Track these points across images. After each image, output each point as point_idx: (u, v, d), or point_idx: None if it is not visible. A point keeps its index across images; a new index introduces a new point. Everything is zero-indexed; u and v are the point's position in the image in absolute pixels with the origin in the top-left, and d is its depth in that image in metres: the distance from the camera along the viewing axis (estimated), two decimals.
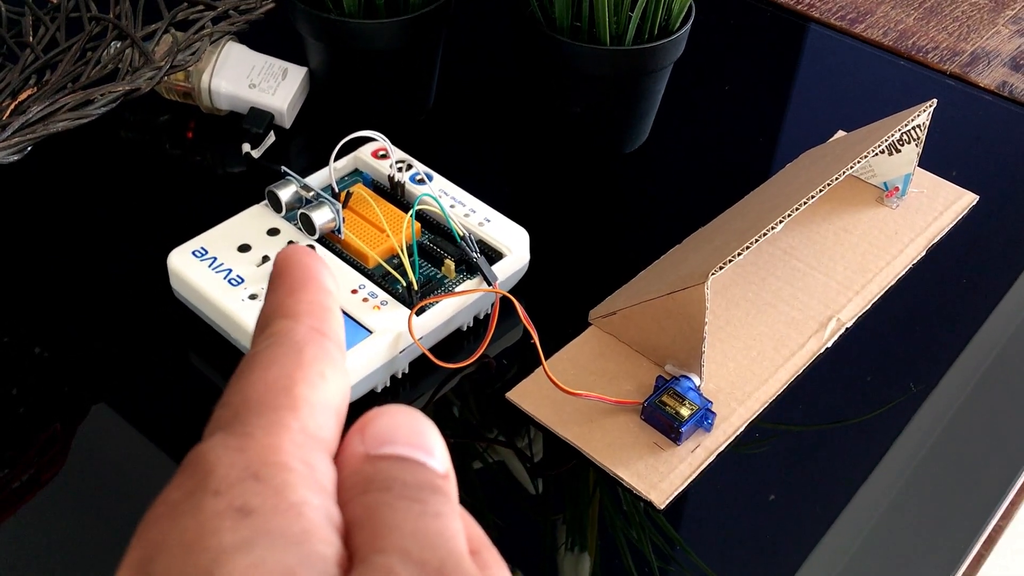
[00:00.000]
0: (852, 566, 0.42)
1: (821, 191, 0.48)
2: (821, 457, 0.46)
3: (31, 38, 0.56)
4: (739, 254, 0.44)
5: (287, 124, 0.61)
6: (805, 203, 0.47)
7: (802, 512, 0.44)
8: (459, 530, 0.17)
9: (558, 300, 0.52)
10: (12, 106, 0.47)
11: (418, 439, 0.18)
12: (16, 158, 0.44)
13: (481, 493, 0.44)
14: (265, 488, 0.16)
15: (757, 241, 0.45)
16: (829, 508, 0.44)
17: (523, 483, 0.44)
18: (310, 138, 0.62)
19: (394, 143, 0.53)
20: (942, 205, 0.58)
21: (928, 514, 0.44)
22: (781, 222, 0.46)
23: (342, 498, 0.17)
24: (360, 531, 0.17)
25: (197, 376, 0.48)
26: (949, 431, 0.48)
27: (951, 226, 0.57)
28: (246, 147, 0.59)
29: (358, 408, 0.46)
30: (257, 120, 0.59)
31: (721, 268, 0.44)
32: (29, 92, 0.48)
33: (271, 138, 0.59)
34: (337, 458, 0.18)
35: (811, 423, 0.47)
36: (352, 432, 0.19)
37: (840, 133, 0.63)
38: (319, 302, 0.20)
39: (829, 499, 0.44)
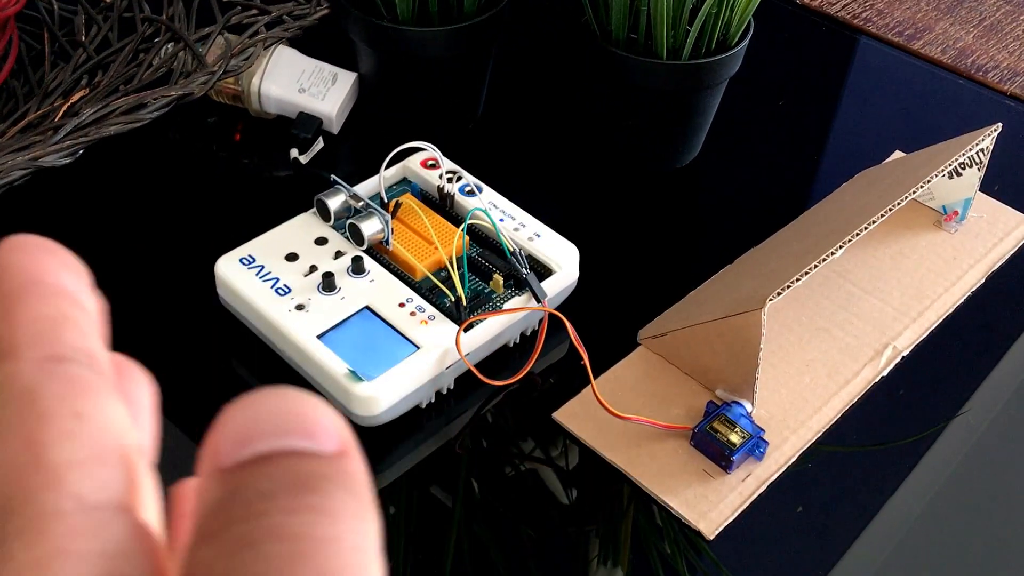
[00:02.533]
0: None
1: (883, 216, 0.47)
2: (875, 490, 0.44)
3: (83, 37, 0.56)
4: (798, 280, 0.43)
5: (335, 130, 0.60)
6: (866, 228, 0.46)
7: (850, 542, 0.42)
8: (364, 546, 0.12)
9: (606, 319, 0.52)
10: (64, 107, 0.47)
11: (290, 421, 0.13)
12: (68, 161, 0.44)
13: (520, 506, 0.43)
14: None
15: (816, 267, 0.44)
16: (881, 541, 0.42)
17: (566, 504, 0.44)
18: (358, 145, 0.61)
19: (442, 152, 0.52)
20: (1002, 231, 0.57)
21: (987, 547, 0.43)
22: (841, 247, 0.45)
23: (191, 552, 0.12)
24: None
25: (241, 385, 0.48)
26: (1007, 465, 0.46)
27: (1011, 253, 0.56)
28: (294, 152, 0.58)
29: (406, 423, 0.46)
30: (306, 125, 0.59)
31: (779, 294, 0.43)
32: (81, 93, 0.48)
33: (319, 144, 0.59)
34: (187, 490, 0.14)
35: (865, 454, 0.46)
36: (206, 449, 0.13)
37: (898, 153, 0.62)
38: (43, 316, 0.14)
39: (882, 532, 0.43)
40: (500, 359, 0.49)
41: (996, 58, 0.71)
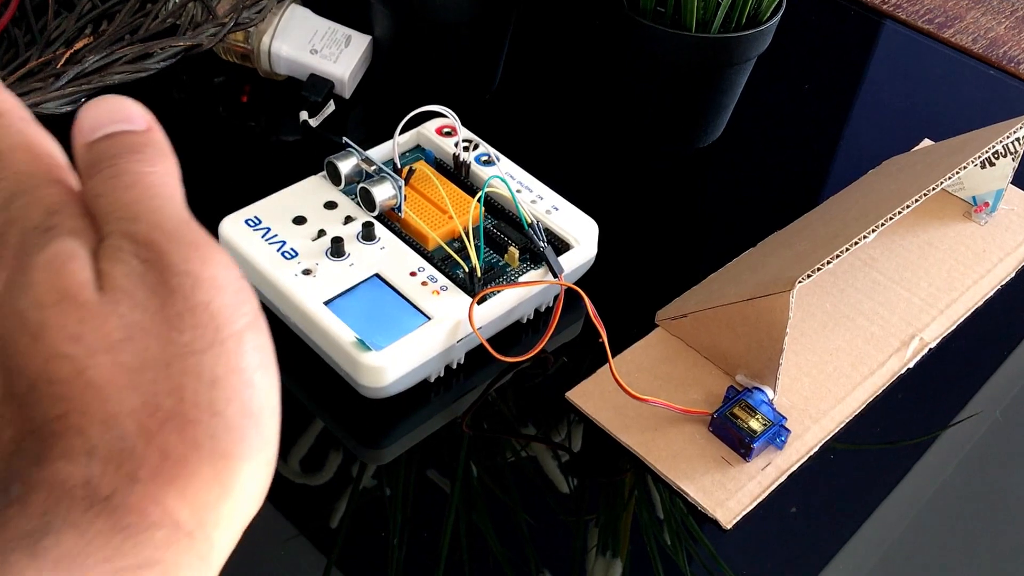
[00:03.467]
0: None
1: (918, 201, 0.45)
2: (895, 482, 0.43)
3: None
4: (828, 262, 0.41)
5: (347, 94, 0.58)
6: (899, 213, 0.44)
7: (848, 538, 0.41)
8: (168, 175, 0.22)
9: (623, 298, 0.50)
10: (67, 55, 0.45)
11: (117, 115, 0.22)
12: (68, 109, 0.42)
13: (524, 490, 0.41)
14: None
15: (848, 250, 0.42)
16: (896, 534, 0.41)
17: (572, 485, 0.42)
18: (370, 110, 0.59)
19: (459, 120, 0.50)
20: None
21: (1012, 539, 0.41)
22: (874, 231, 0.43)
23: (83, 188, 0.21)
24: (96, 216, 0.20)
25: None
26: None
27: None
28: (303, 115, 0.56)
29: (413, 397, 0.44)
30: (316, 88, 0.57)
31: (809, 276, 0.41)
32: (85, 41, 0.46)
33: (330, 107, 0.57)
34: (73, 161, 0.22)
35: (889, 446, 0.44)
36: (73, 133, 0.22)
37: (926, 142, 0.60)
38: None
39: (895, 525, 0.41)
40: (513, 335, 0.47)
41: None
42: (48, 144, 0.21)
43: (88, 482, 0.18)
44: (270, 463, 0.20)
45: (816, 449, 0.43)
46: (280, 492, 0.40)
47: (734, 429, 0.42)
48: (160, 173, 0.21)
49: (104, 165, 0.21)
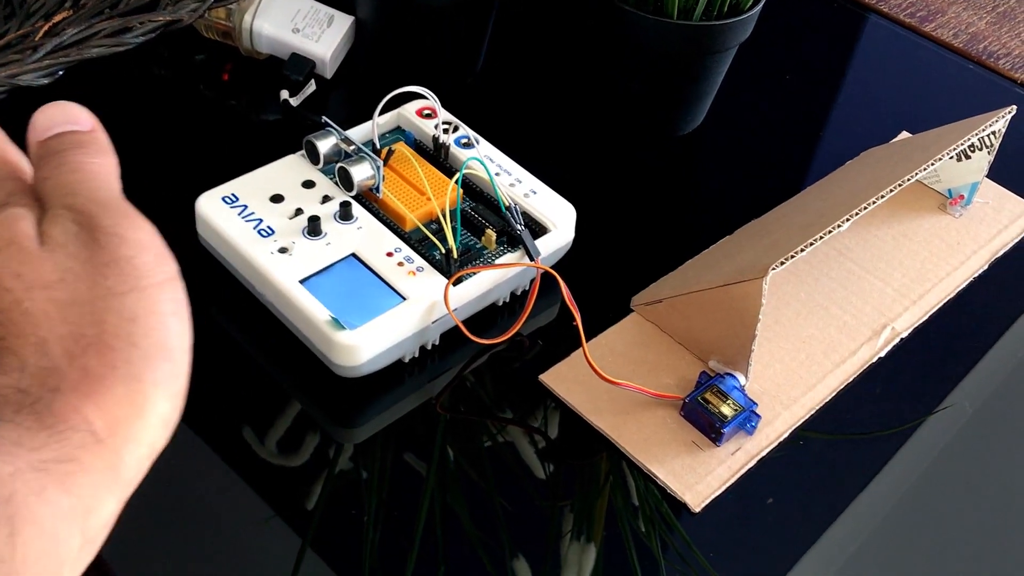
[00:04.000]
0: None
1: (892, 191, 0.45)
2: (866, 470, 0.43)
3: None
4: (802, 250, 0.42)
5: (328, 74, 0.58)
6: (874, 203, 0.45)
7: (827, 526, 0.41)
8: (108, 167, 0.26)
9: (599, 283, 0.50)
10: (46, 28, 0.44)
11: (66, 117, 0.26)
12: (46, 81, 0.42)
13: (499, 473, 0.41)
14: None
15: (821, 239, 0.43)
16: (860, 524, 0.41)
17: (546, 469, 0.42)
18: (351, 91, 0.59)
19: (439, 103, 0.50)
20: (1007, 218, 0.55)
21: (976, 526, 0.42)
22: (848, 220, 0.43)
23: (34, 176, 0.25)
24: (43, 197, 0.24)
25: (215, 328, 0.46)
26: (998, 448, 0.45)
27: (1016, 241, 0.54)
28: (284, 94, 0.56)
29: (387, 377, 0.44)
30: (298, 67, 0.56)
31: (782, 263, 0.41)
32: (64, 15, 0.46)
33: (311, 87, 0.57)
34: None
35: (858, 434, 0.44)
36: (28, 132, 0.26)
37: (904, 134, 0.60)
38: None
39: (865, 514, 0.42)
40: (488, 318, 0.47)
41: (1008, 45, 0.70)
42: (10, 151, 0.26)
43: (20, 390, 0.22)
44: (178, 396, 0.24)
45: (786, 435, 0.43)
46: (254, 470, 0.41)
47: (705, 414, 0.42)
48: (100, 164, 0.25)
49: (52, 156, 0.25)
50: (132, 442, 0.23)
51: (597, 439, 0.43)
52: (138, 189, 0.52)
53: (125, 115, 0.56)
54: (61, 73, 0.42)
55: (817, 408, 0.45)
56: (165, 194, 0.51)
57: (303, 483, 0.40)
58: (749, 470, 0.42)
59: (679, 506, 0.41)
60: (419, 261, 0.44)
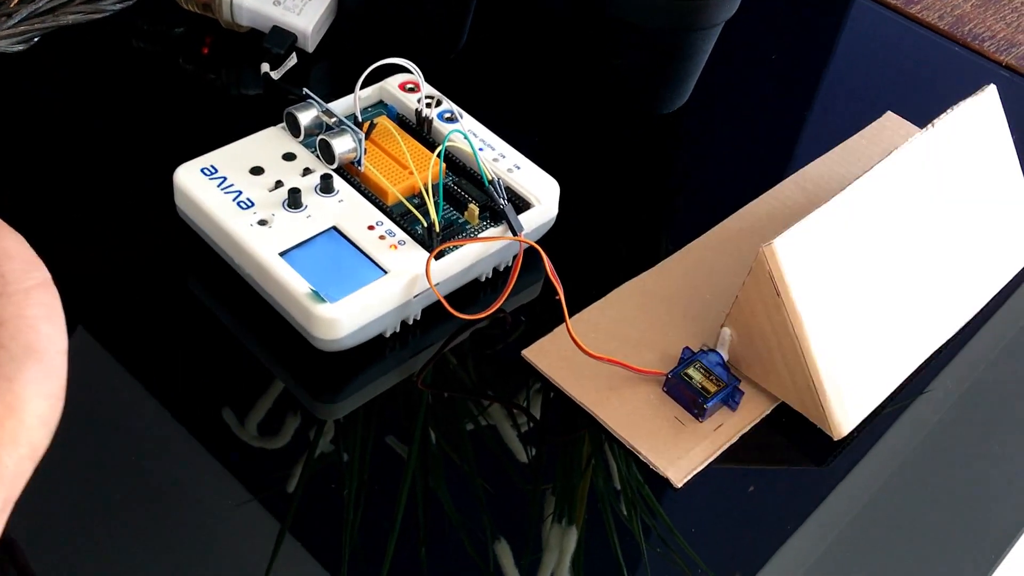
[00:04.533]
0: (850, 569, 0.39)
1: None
2: (853, 448, 0.43)
3: None
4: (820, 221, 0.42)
5: (310, 48, 0.57)
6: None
7: (814, 508, 0.41)
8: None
9: (582, 259, 0.50)
10: None
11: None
12: (21, 47, 0.41)
13: (481, 453, 0.41)
14: None
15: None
16: (840, 506, 0.41)
17: (528, 450, 0.42)
18: (332, 65, 0.58)
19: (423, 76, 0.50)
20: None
21: (968, 495, 0.42)
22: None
23: None
24: None
25: (192, 300, 0.45)
26: (986, 428, 0.45)
27: None
28: (265, 67, 0.55)
29: (368, 351, 0.44)
30: (279, 40, 0.56)
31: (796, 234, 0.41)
32: None
33: (292, 60, 0.56)
34: None
35: None
36: None
37: (889, 114, 0.60)
38: None
39: (845, 497, 0.41)
40: (471, 293, 0.46)
41: (993, 28, 0.70)
42: None
43: None
44: (54, 396, 0.25)
45: (769, 411, 0.43)
46: (232, 448, 0.40)
47: (688, 389, 0.42)
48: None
49: None
50: (9, 443, 0.23)
51: (579, 415, 0.42)
52: (117, 161, 0.51)
53: (104, 88, 0.55)
54: (37, 40, 0.41)
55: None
56: (144, 166, 0.51)
57: (282, 462, 0.40)
58: (732, 445, 0.42)
59: (661, 489, 0.40)
60: (401, 235, 0.44)
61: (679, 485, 0.40)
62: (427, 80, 0.50)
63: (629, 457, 0.41)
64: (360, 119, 0.48)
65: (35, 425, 0.24)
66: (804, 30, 0.68)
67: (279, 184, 0.45)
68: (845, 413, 0.42)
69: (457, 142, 0.47)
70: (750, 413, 0.43)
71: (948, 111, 0.48)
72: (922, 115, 0.60)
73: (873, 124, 0.59)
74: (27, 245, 0.26)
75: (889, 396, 0.44)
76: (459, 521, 0.39)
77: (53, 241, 0.46)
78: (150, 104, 0.55)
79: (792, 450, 0.43)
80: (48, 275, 0.26)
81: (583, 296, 0.47)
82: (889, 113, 0.60)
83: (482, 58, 0.61)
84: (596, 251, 0.50)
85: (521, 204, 0.47)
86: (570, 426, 0.42)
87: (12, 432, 0.23)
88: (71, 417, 0.39)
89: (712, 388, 0.42)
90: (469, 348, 0.45)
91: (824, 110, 0.62)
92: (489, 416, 0.43)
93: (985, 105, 0.50)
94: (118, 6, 0.43)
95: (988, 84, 0.51)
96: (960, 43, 0.68)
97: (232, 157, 0.46)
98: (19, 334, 0.24)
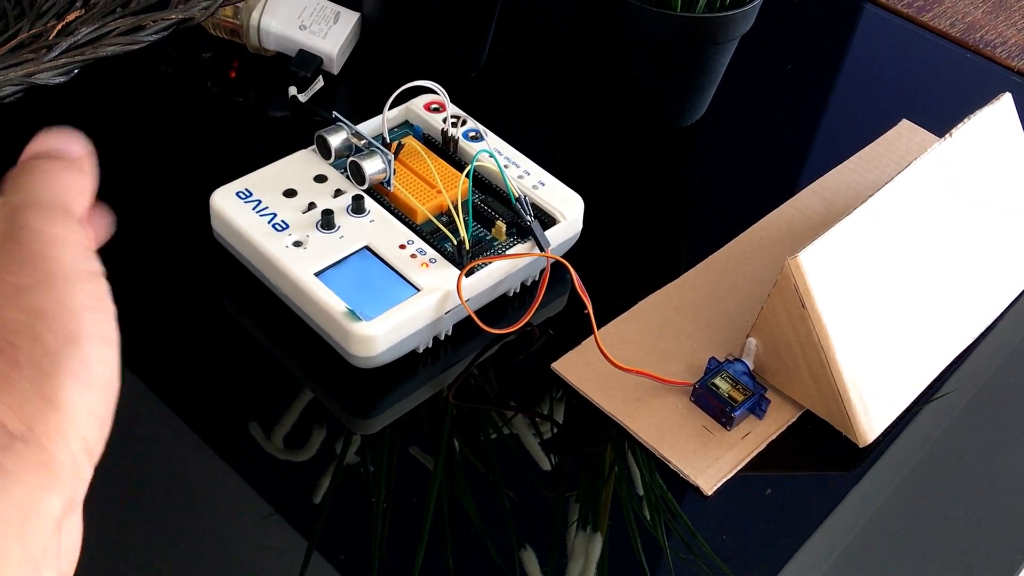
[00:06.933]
0: (876, 573, 0.40)
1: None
2: (871, 458, 0.44)
3: None
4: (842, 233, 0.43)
5: (335, 70, 0.59)
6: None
7: (832, 508, 0.42)
8: (74, 183, 0.25)
9: (607, 272, 0.51)
10: (59, 27, 0.45)
11: (58, 143, 0.26)
12: (62, 80, 0.42)
13: (510, 464, 0.42)
14: None
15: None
16: (866, 511, 0.42)
17: (552, 459, 0.43)
18: (358, 86, 0.60)
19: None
20: None
21: (986, 491, 0.42)
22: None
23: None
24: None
25: (230, 321, 0.47)
26: (1004, 423, 0.46)
27: None
28: (292, 90, 0.57)
29: (401, 367, 0.45)
30: (305, 63, 0.57)
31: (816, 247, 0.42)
32: (76, 14, 0.46)
33: (319, 83, 0.57)
34: None
35: None
36: (21, 156, 0.26)
37: (904, 122, 0.61)
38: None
39: (869, 501, 0.42)
40: (499, 308, 0.48)
41: (1004, 34, 0.71)
42: None
43: None
44: (102, 388, 0.23)
45: (795, 419, 0.44)
46: (268, 462, 0.41)
47: (715, 399, 0.43)
48: (67, 177, 0.25)
49: (26, 163, 0.25)
50: (57, 436, 0.21)
51: (608, 426, 0.43)
52: (154, 186, 0.52)
53: (135, 114, 0.57)
54: (76, 72, 0.43)
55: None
56: (178, 191, 0.52)
57: (317, 474, 0.41)
58: (760, 453, 0.43)
59: (684, 494, 0.41)
60: (432, 253, 0.45)
61: (709, 493, 0.41)
62: (451, 98, 0.51)
63: (652, 463, 0.42)
64: (388, 140, 0.49)
65: (85, 417, 0.22)
66: (818, 41, 0.69)
67: (312, 206, 0.46)
68: (870, 421, 0.43)
69: (484, 161, 0.48)
70: (776, 421, 0.44)
71: (965, 120, 0.49)
72: (937, 122, 0.61)
73: (889, 132, 0.60)
74: (83, 237, 0.24)
75: (912, 402, 0.45)
76: (484, 530, 0.40)
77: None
78: (182, 129, 0.56)
79: (818, 457, 0.44)
80: (99, 266, 0.24)
81: (609, 308, 0.48)
82: (904, 121, 0.61)
83: (504, 75, 0.62)
84: (620, 264, 0.52)
85: (547, 220, 0.48)
86: (599, 437, 0.43)
87: (60, 426, 0.21)
88: (113, 431, 0.41)
89: (739, 397, 0.43)
90: (499, 362, 0.46)
91: (839, 119, 0.63)
92: (519, 427, 0.44)
93: (1001, 113, 0.51)
94: (154, 37, 0.44)
95: (1004, 92, 0.52)
96: (972, 50, 0.69)
97: (265, 180, 0.47)
98: (60, 325, 0.22)
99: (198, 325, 0.46)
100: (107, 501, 0.38)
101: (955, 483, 0.44)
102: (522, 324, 0.46)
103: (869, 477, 0.43)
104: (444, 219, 0.47)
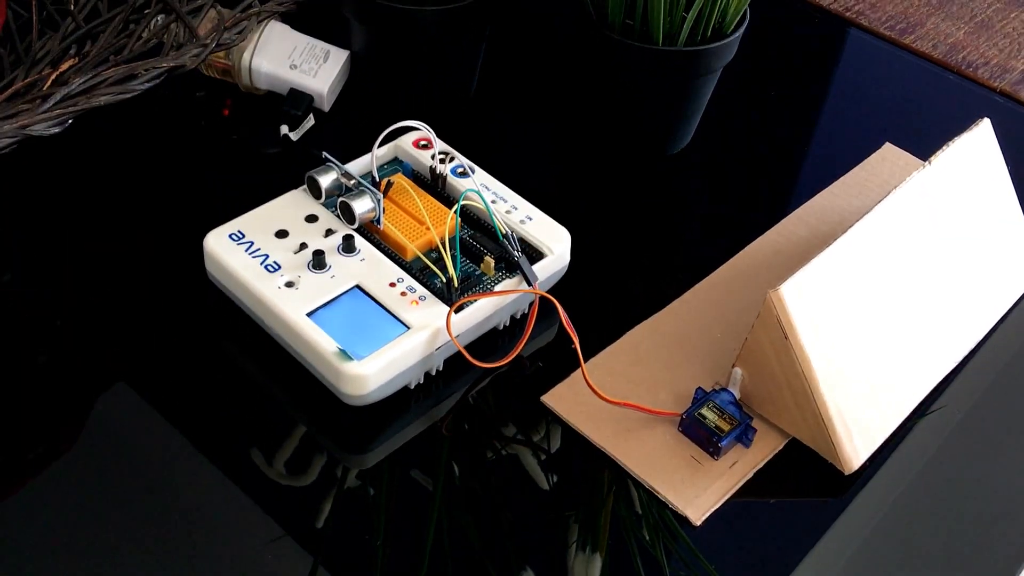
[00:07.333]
0: None
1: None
2: (857, 484, 0.45)
3: (72, 6, 0.55)
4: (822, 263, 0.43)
5: (326, 107, 0.60)
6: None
7: (826, 529, 0.43)
8: None
9: (596, 304, 0.51)
10: (53, 76, 0.46)
11: None
12: (57, 130, 0.43)
13: (504, 491, 0.43)
14: None
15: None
16: (854, 535, 0.43)
17: (551, 483, 0.43)
18: (349, 123, 0.61)
19: (435, 133, 0.52)
20: None
21: (970, 527, 0.43)
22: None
23: None
24: None
25: (226, 362, 0.48)
26: (987, 453, 0.46)
27: None
28: (284, 129, 0.58)
29: (394, 404, 0.46)
30: (296, 102, 0.58)
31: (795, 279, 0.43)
32: (70, 63, 0.47)
33: (310, 121, 0.58)
34: None
35: None
36: None
37: (888, 146, 0.62)
38: None
39: (858, 527, 0.43)
40: (489, 342, 0.48)
41: (987, 55, 0.72)
42: None
43: None
44: None
45: (782, 447, 0.45)
46: (266, 499, 0.42)
47: (702, 429, 0.44)
48: None
49: None
50: None
51: (599, 456, 0.44)
52: (145, 228, 0.53)
53: (129, 154, 0.58)
54: (71, 122, 0.44)
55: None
56: (173, 233, 0.53)
57: (314, 509, 0.42)
58: (748, 481, 0.43)
59: (682, 516, 0.42)
60: (421, 290, 0.46)
61: (698, 523, 0.42)
62: (438, 133, 0.52)
63: (650, 490, 0.43)
64: (377, 178, 0.50)
65: None
66: (801, 67, 0.70)
67: (303, 246, 0.47)
68: (855, 448, 0.43)
69: (472, 199, 0.49)
70: (763, 449, 0.45)
71: (944, 147, 0.50)
72: (920, 145, 0.62)
73: (872, 156, 0.61)
74: None
75: (898, 428, 0.46)
76: (485, 553, 0.40)
77: (94, 310, 0.48)
78: (175, 169, 0.57)
79: (806, 484, 0.44)
80: None
81: (597, 339, 0.48)
82: (888, 144, 0.62)
83: (491, 110, 0.63)
84: (608, 294, 0.52)
85: (535, 255, 0.49)
86: (590, 466, 0.44)
87: None
88: (115, 467, 0.42)
89: (726, 427, 0.44)
90: (490, 395, 0.47)
91: (824, 144, 0.64)
92: (511, 458, 0.44)
93: (980, 138, 0.52)
94: (146, 85, 0.45)
95: (983, 118, 0.53)
96: (955, 71, 0.70)
97: (258, 221, 0.48)
98: None
99: (195, 366, 0.47)
100: (113, 533, 0.39)
101: (942, 507, 0.44)
102: (512, 357, 0.47)
103: (858, 503, 0.44)
104: (433, 256, 0.48)
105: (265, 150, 0.59)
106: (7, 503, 0.41)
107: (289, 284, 0.45)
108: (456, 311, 0.45)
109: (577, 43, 0.57)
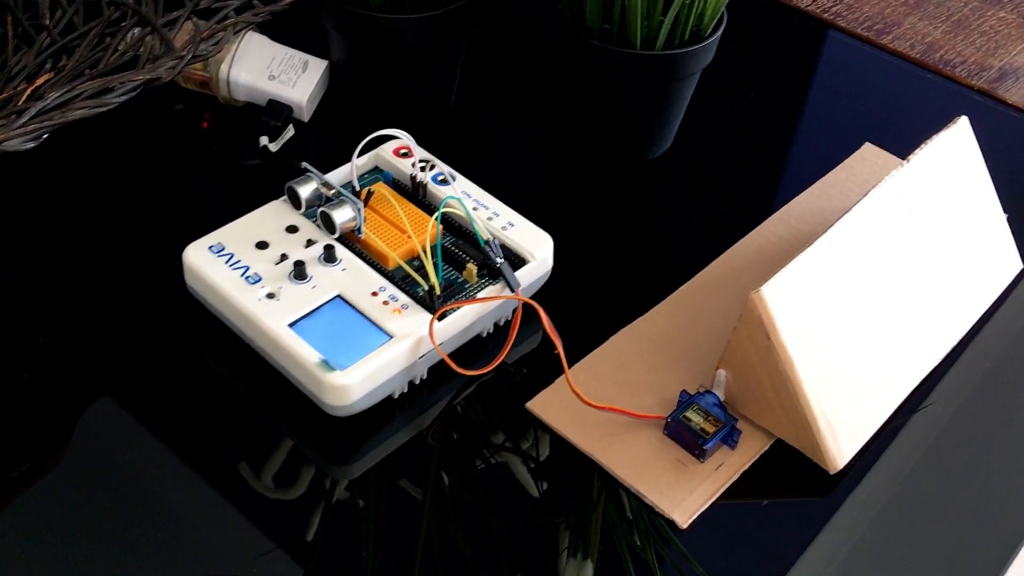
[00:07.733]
0: None
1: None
2: (846, 481, 0.45)
3: (47, 20, 0.54)
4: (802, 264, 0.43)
5: (305, 118, 0.59)
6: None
7: (818, 531, 0.43)
8: None
9: (579, 308, 0.51)
10: (28, 91, 0.46)
11: None
12: (32, 145, 0.43)
13: (492, 497, 0.43)
14: None
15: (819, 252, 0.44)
16: (841, 534, 0.43)
17: (540, 489, 0.43)
18: (328, 133, 0.60)
19: (415, 141, 0.52)
20: None
21: (961, 526, 0.43)
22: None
23: None
24: None
25: (208, 374, 0.47)
26: (976, 451, 0.47)
27: None
28: (263, 140, 0.57)
29: (378, 413, 0.45)
30: (275, 113, 0.58)
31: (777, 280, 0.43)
32: (46, 77, 0.47)
33: (289, 131, 0.58)
34: None
35: None
36: None
37: (867, 146, 0.62)
38: None
39: (845, 526, 0.43)
40: (473, 349, 0.48)
41: (964, 53, 0.72)
42: None
43: None
44: None
45: (767, 447, 0.45)
46: (252, 512, 0.42)
47: (688, 431, 0.44)
48: None
49: None
50: None
51: (585, 461, 0.44)
52: (124, 242, 0.53)
53: (108, 167, 0.57)
54: (46, 136, 0.44)
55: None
56: (153, 244, 0.53)
57: (300, 521, 0.41)
58: (734, 483, 0.43)
59: (672, 520, 0.42)
60: (403, 299, 0.46)
61: (684, 526, 0.42)
62: (419, 141, 0.52)
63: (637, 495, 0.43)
64: (358, 187, 0.50)
65: None
66: (780, 68, 0.71)
67: (284, 257, 0.47)
68: (839, 448, 0.43)
69: (453, 207, 0.49)
70: (749, 451, 0.45)
71: (922, 146, 0.50)
72: (900, 144, 0.62)
73: (852, 156, 0.62)
74: None
75: (882, 427, 0.46)
76: (476, 561, 0.40)
77: (75, 325, 0.48)
78: (154, 181, 0.57)
79: (792, 485, 0.44)
80: None
81: (582, 344, 0.48)
82: (867, 144, 0.62)
83: (471, 117, 0.63)
84: (592, 298, 0.52)
85: (517, 261, 0.49)
86: (577, 472, 0.44)
87: None
88: (86, 494, 0.41)
89: (711, 429, 0.44)
90: (475, 402, 0.47)
91: (804, 145, 0.64)
92: (498, 465, 0.44)
93: (958, 136, 0.52)
94: (122, 98, 0.45)
95: (961, 116, 0.53)
96: (932, 70, 0.70)
97: (238, 233, 0.48)
98: None
99: (178, 380, 0.47)
100: (102, 549, 0.39)
101: (929, 505, 0.44)
102: (496, 364, 0.47)
103: (843, 502, 0.44)
104: (415, 264, 0.47)
105: (244, 162, 0.59)
106: None
107: (270, 295, 0.45)
108: (439, 319, 0.45)
109: (556, 49, 0.57)
